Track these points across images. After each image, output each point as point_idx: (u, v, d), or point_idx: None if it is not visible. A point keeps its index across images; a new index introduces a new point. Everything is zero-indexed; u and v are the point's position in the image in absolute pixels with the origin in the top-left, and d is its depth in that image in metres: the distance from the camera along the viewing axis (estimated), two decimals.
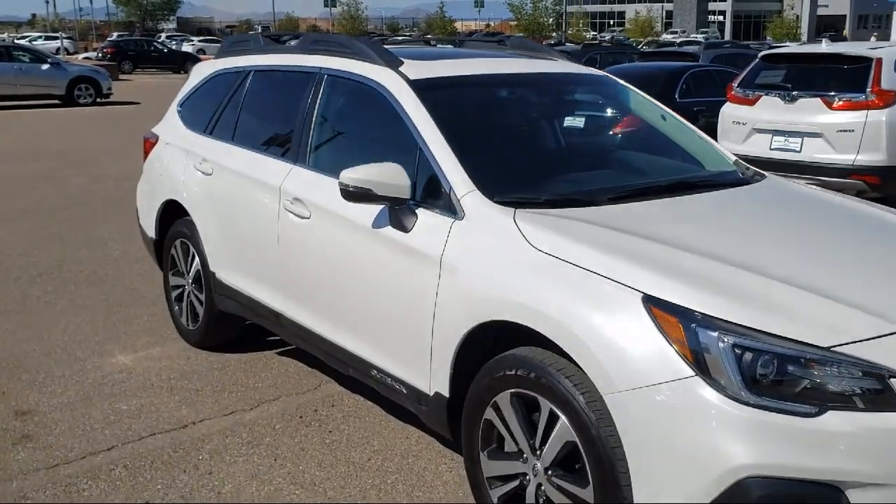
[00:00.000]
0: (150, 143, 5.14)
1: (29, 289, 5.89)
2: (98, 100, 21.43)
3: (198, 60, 39.23)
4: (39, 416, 3.89)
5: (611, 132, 3.92)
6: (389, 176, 3.02)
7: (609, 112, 4.02)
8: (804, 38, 66.10)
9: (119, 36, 58.16)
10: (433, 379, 2.98)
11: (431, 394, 3.01)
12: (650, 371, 2.26)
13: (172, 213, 4.80)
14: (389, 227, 3.13)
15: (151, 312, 5.39)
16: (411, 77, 3.44)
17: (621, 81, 4.10)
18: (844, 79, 7.67)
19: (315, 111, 3.79)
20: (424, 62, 3.63)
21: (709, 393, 2.18)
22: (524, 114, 3.87)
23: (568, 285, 2.50)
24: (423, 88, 3.37)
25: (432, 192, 3.08)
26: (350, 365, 3.50)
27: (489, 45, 4.59)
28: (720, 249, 2.61)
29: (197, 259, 4.56)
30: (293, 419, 3.88)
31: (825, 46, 8.56)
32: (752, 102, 8.30)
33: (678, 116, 4.00)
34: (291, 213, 3.68)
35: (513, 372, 2.63)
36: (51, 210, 8.65)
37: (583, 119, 3.91)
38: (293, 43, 4.39)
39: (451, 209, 2.97)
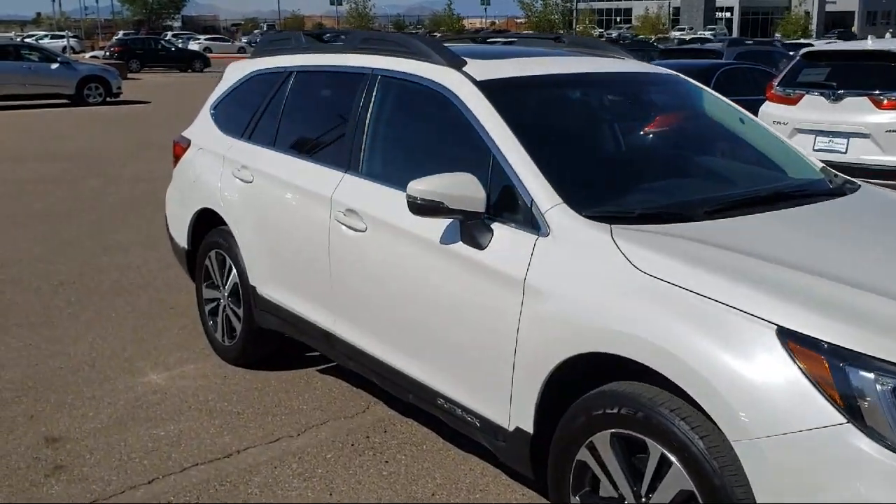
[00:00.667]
0: (180, 147, 4.86)
1: (51, 299, 5.62)
2: (108, 99, 21.18)
3: (206, 59, 39.09)
4: (72, 444, 3.62)
5: (688, 136, 3.63)
6: (462, 188, 2.74)
7: (685, 114, 3.73)
8: (814, 34, 65.61)
9: (125, 34, 58.01)
10: (514, 413, 2.70)
11: (511, 429, 2.73)
12: (790, 416, 1.98)
13: (206, 222, 4.52)
14: (460, 242, 2.85)
15: (181, 325, 5.12)
16: (478, 78, 3.15)
17: (692, 81, 3.81)
18: (894, 77, 7.36)
19: (368, 115, 3.51)
20: (489, 61, 3.35)
21: (865, 444, 1.90)
22: (600, 117, 3.58)
23: (684, 315, 2.21)
24: (492, 90, 3.09)
25: (509, 205, 2.79)
26: (411, 391, 3.22)
27: (545, 43, 4.30)
28: (849, 273, 2.31)
29: (234, 272, 4.28)
30: (345, 447, 3.60)
31: (871, 43, 8.25)
32: (794, 102, 8.00)
33: (756, 118, 3.70)
34: (344, 225, 3.40)
35: (615, 410, 2.35)
36: (66, 213, 8.38)
37: (659, 121, 3.61)
38: (339, 41, 4.10)
39: (532, 224, 2.69)
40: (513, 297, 2.63)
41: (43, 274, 6.21)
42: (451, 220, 2.86)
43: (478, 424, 2.88)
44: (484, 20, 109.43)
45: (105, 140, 14.40)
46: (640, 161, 3.42)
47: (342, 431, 3.74)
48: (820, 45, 9.09)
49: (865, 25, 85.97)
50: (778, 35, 63.21)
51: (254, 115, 4.31)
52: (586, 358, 2.44)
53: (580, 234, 2.56)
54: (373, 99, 3.52)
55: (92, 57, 38.89)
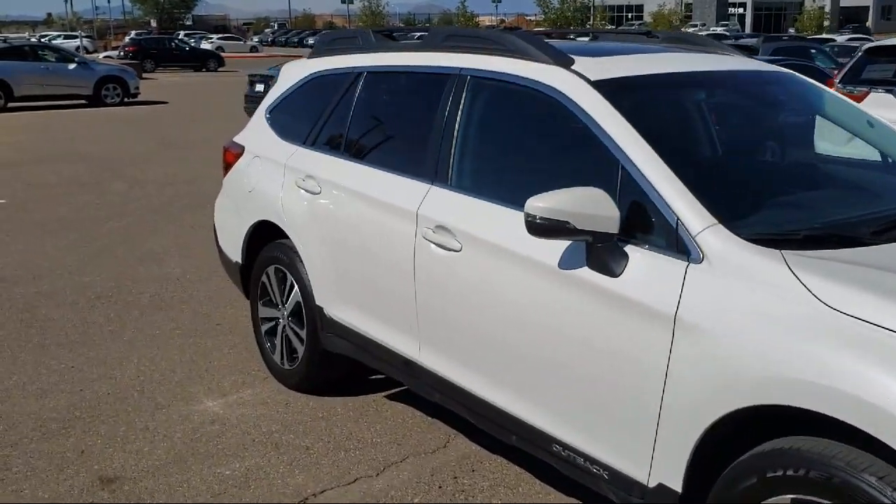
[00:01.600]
0: (232, 154, 4.51)
1: (89, 315, 5.28)
2: (125, 100, 20.88)
3: (220, 58, 38.74)
4: (130, 485, 3.27)
5: (818, 142, 3.25)
6: (593, 205, 2.37)
7: (808, 117, 3.35)
8: (828, 30, 64.86)
9: (138, 34, 57.87)
10: (656, 468, 2.34)
11: (652, 486, 2.36)
12: None
13: (264, 235, 4.18)
14: (586, 268, 2.48)
15: (231, 344, 4.78)
16: (592, 77, 2.79)
17: (811, 80, 3.43)
18: None
19: (457, 120, 3.15)
20: (598, 59, 2.98)
21: None
22: (733, 121, 3.21)
23: (892, 363, 1.85)
24: (610, 91, 2.72)
25: (646, 225, 2.43)
26: (516, 433, 2.85)
27: (637, 39, 3.92)
28: None
29: (297, 289, 3.93)
30: (431, 489, 3.24)
31: None
32: (858, 99, 7.60)
33: (884, 121, 3.32)
34: (433, 243, 3.04)
35: (799, 473, 1.98)
36: (95, 220, 8.06)
37: (791, 126, 3.24)
38: (415, 38, 3.75)
39: (679, 248, 2.32)
40: (659, 335, 2.27)
41: (78, 287, 5.88)
42: (573, 241, 2.50)
43: (605, 477, 2.52)
44: (494, 17, 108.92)
45: (126, 141, 14.09)
46: (784, 171, 3.04)
47: (425, 471, 3.38)
48: (888, 40, 8.65)
49: (880, 20, 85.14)
50: (792, 31, 62.49)
51: (317, 119, 3.95)
52: (754, 409, 2.08)
53: (745, 261, 2.19)
54: (462, 102, 3.16)
55: (106, 57, 38.63)
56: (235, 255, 4.43)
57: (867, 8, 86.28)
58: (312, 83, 4.13)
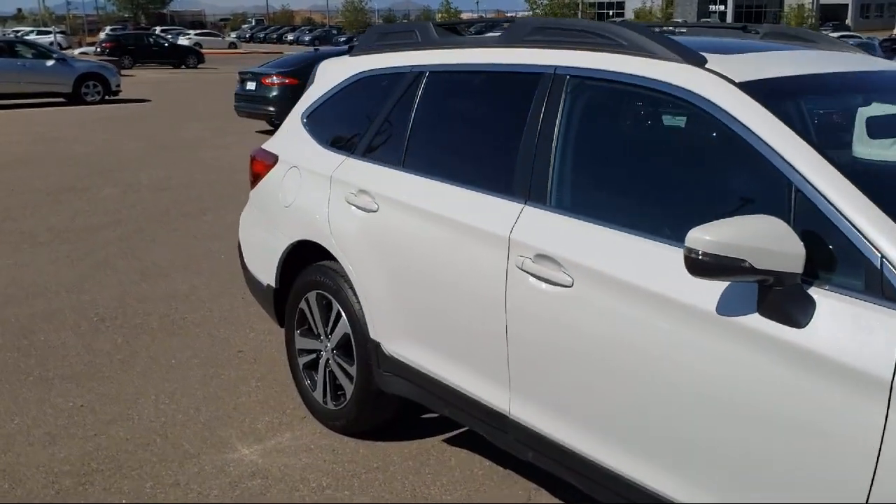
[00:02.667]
0: (262, 164, 3.99)
1: (94, 340, 4.74)
2: (106, 98, 20.15)
3: (200, 55, 37.86)
4: None
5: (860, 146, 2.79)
6: (773, 238, 1.90)
7: None
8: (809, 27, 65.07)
9: (112, 30, 56.73)
10: None
11: None
12: None
13: (302, 257, 3.68)
14: (757, 315, 2.01)
15: (257, 375, 4.26)
16: (736, 78, 2.31)
17: None
18: None
19: (556, 127, 2.66)
20: (732, 57, 2.51)
21: None
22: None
23: None
24: (764, 95, 2.25)
25: (835, 263, 1.96)
26: None
27: (732, 33, 3.45)
28: None
29: (345, 320, 3.43)
30: None
31: None
32: None
33: None
34: (533, 275, 2.55)
35: None
36: (89, 229, 7.48)
37: None
38: (494, 32, 3.26)
39: (887, 294, 1.85)
40: (868, 405, 1.80)
41: (78, 307, 5.33)
42: (738, 281, 2.02)
43: None
44: (474, 13, 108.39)
45: (113, 142, 13.44)
46: None
47: None
48: None
49: (859, 18, 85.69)
50: None
51: (369, 126, 3.45)
52: None
53: None
54: (561, 106, 2.67)
55: (81, 53, 37.69)
56: (267, 277, 3.92)
57: (846, 6, 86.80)
58: (359, 84, 3.63)
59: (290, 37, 70.83)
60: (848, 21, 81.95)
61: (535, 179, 2.67)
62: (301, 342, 3.79)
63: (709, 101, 2.29)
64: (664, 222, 2.31)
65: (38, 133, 14.56)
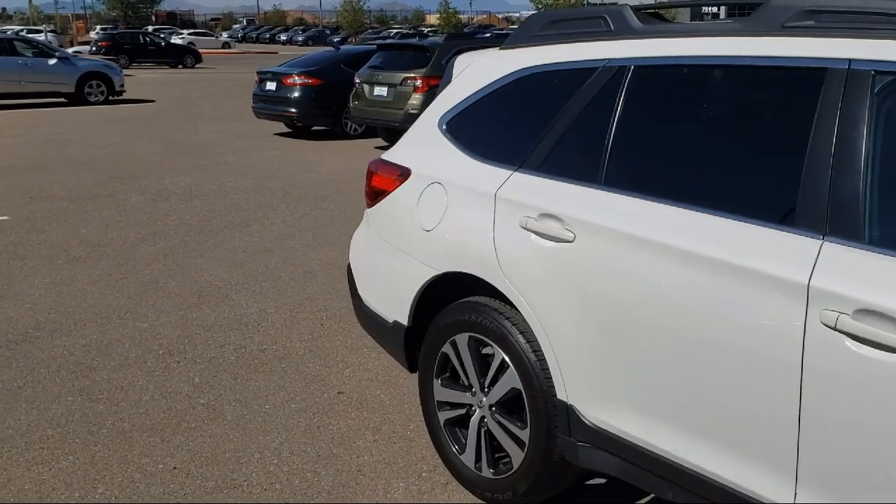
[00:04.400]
0: (387, 178, 3.35)
1: (167, 380, 4.08)
2: (110, 98, 19.38)
3: (197, 55, 37.03)
4: None
5: None
6: None
7: None
8: None
9: (102, 29, 55.84)
10: None
11: None
12: None
13: (441, 290, 3.06)
14: None
15: (371, 425, 3.62)
16: None
17: None
18: None
19: (862, 139, 2.04)
20: None
21: None
22: None
23: None
24: None
25: None
26: None
27: None
28: None
29: (512, 372, 2.80)
30: None
31: None
32: None
33: None
34: (855, 337, 1.92)
35: None
36: (125, 242, 6.80)
37: None
38: (717, 19, 2.63)
39: None
40: None
41: (136, 336, 4.67)
42: None
43: None
44: (467, 15, 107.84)
45: (126, 145, 12.73)
46: None
47: None
48: None
49: None
50: None
51: (543, 132, 2.82)
52: None
53: None
54: (866, 111, 2.05)
55: (75, 52, 36.76)
56: (394, 312, 3.29)
57: None
58: (524, 83, 2.99)
59: (283, 37, 70.00)
60: None
61: (836, 208, 2.04)
62: (442, 393, 3.16)
63: None
64: None
65: (44, 135, 13.82)
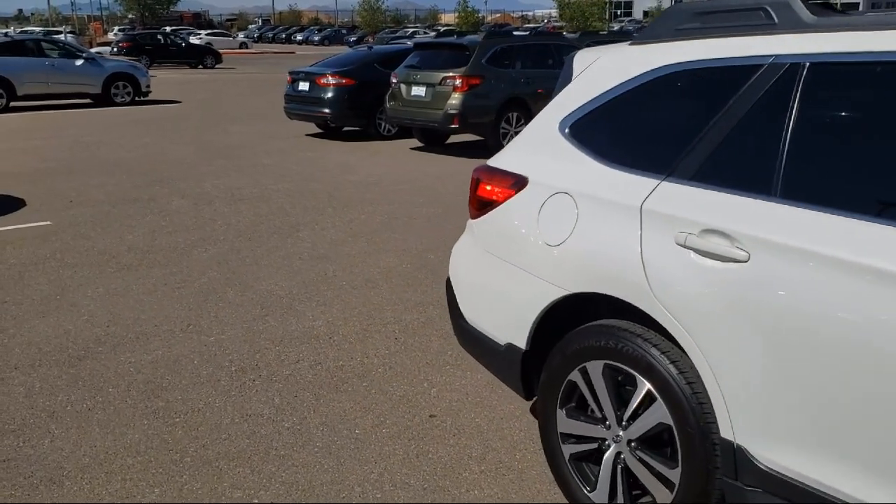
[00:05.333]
0: (497, 187, 3.07)
1: (245, 401, 3.81)
2: (136, 99, 19.20)
3: (218, 55, 36.87)
4: None
5: None
6: None
7: None
8: None
9: (120, 29, 55.89)
10: None
11: None
12: None
13: (562, 312, 2.78)
14: None
15: (475, 455, 3.34)
16: None
17: None
18: None
19: None
20: None
21: None
22: None
23: None
24: None
25: None
26: None
27: None
28: None
29: (661, 406, 2.51)
30: None
31: None
32: None
33: None
34: None
35: None
36: (175, 249, 6.55)
37: None
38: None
39: None
40: None
41: (204, 352, 4.40)
42: None
43: None
44: (480, 14, 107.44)
45: (157, 146, 12.51)
46: None
47: None
48: None
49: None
50: None
51: (697, 137, 2.52)
52: None
53: None
54: None
55: (96, 53, 36.68)
56: (509, 335, 3.00)
57: (857, 4, 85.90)
58: (666, 81, 2.70)
59: (299, 36, 69.86)
60: None
61: None
62: (567, 425, 2.87)
63: None
64: None
65: (73, 137, 13.62)
